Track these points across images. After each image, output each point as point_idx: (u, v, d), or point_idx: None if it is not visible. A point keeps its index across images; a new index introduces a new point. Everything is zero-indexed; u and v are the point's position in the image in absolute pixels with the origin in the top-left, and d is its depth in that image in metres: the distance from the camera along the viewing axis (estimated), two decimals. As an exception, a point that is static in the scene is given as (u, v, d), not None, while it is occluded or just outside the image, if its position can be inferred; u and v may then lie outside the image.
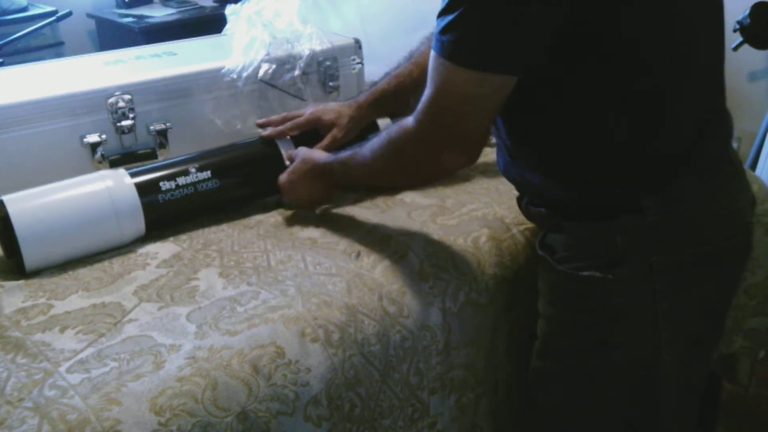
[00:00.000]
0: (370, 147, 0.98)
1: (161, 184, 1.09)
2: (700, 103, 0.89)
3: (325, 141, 1.20)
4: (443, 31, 0.80)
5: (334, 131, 1.20)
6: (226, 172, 1.15)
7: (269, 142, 1.20)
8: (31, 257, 1.00)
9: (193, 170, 1.11)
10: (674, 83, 0.84)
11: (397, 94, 1.20)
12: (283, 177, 1.14)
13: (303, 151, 1.14)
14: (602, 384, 0.95)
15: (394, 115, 1.23)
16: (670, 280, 0.89)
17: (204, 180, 1.11)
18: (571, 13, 0.77)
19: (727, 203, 0.91)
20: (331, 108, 1.22)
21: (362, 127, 1.22)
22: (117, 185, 1.06)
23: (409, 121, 0.90)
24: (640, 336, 0.92)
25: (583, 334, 0.94)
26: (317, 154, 1.11)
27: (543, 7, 0.77)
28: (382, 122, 1.25)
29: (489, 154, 1.18)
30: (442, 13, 0.80)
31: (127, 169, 1.10)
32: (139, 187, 1.07)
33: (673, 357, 0.93)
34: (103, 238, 1.06)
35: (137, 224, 1.07)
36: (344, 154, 1.04)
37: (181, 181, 1.10)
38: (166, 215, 1.10)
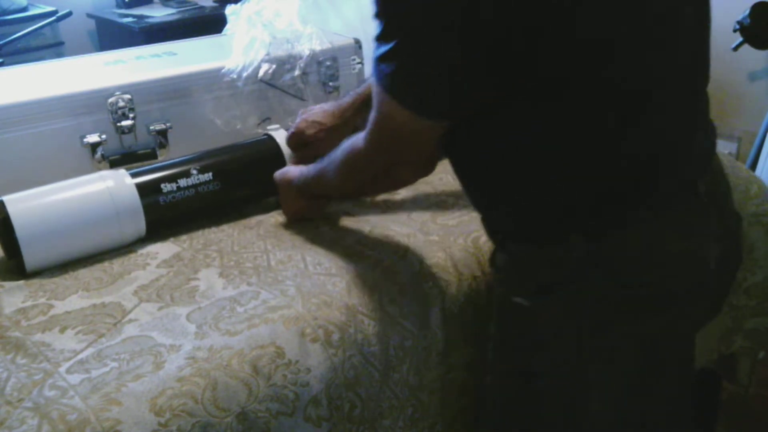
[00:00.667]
0: (333, 164, 0.98)
1: (162, 185, 1.09)
2: (666, 128, 0.81)
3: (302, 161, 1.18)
4: (380, 59, 0.76)
5: (312, 150, 1.17)
6: (227, 173, 1.14)
7: (270, 143, 1.20)
8: (31, 258, 1.00)
9: (194, 172, 1.11)
10: (631, 109, 0.78)
11: None
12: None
13: (278, 176, 1.13)
14: (528, 410, 0.91)
15: None
16: (599, 318, 0.83)
17: (205, 182, 1.11)
18: (510, 46, 0.72)
19: (676, 244, 0.83)
20: (314, 118, 1.19)
21: (348, 134, 1.16)
22: (117, 185, 1.06)
23: (360, 138, 0.90)
24: (564, 371, 0.86)
25: (511, 358, 0.91)
26: (290, 173, 1.10)
27: (474, 48, 0.72)
28: None
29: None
30: (379, 38, 0.76)
31: (127, 169, 1.10)
32: (140, 187, 1.07)
33: (604, 397, 0.87)
34: (103, 238, 1.06)
35: (138, 225, 1.07)
36: (315, 168, 1.04)
37: (182, 182, 1.10)
38: (166, 216, 1.10)
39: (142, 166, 1.14)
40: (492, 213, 0.91)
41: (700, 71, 0.87)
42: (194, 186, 1.10)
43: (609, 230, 0.81)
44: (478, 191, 0.90)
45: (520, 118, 0.79)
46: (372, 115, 0.84)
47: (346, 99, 1.20)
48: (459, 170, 0.90)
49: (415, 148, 0.86)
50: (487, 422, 0.98)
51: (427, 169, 0.91)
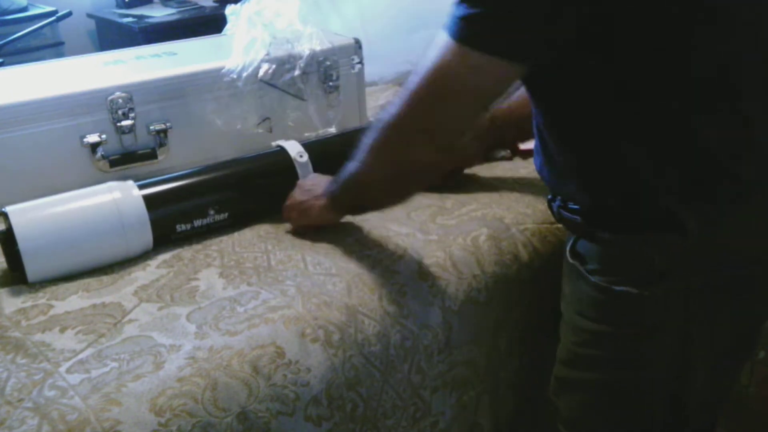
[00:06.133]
0: (357, 156, 0.93)
1: (177, 226, 1.07)
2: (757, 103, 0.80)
3: None
4: (457, 10, 0.76)
5: None
6: (244, 211, 1.13)
7: (289, 169, 1.16)
8: (34, 271, 0.98)
9: (211, 212, 1.09)
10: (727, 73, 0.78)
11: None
12: (287, 205, 1.10)
13: (308, 182, 1.09)
14: (626, 401, 0.92)
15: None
16: (705, 301, 0.85)
17: (221, 221, 1.10)
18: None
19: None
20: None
21: None
22: (125, 198, 1.04)
23: (386, 113, 0.86)
24: (670, 356, 0.88)
25: (613, 348, 0.90)
26: (319, 189, 1.05)
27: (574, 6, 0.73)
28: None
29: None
30: None
31: (136, 181, 1.08)
32: (149, 203, 1.05)
33: (698, 377, 0.90)
34: (108, 253, 1.03)
35: (145, 240, 1.05)
36: (340, 175, 0.98)
37: (197, 223, 1.08)
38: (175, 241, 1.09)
39: (150, 177, 1.11)
40: (596, 200, 0.87)
41: None
42: (208, 225, 1.09)
43: (724, 214, 0.81)
44: (593, 180, 0.87)
45: (612, 98, 0.79)
46: (417, 74, 0.81)
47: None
48: (570, 161, 0.87)
49: (453, 112, 0.82)
50: (566, 414, 0.99)
51: (444, 152, 0.86)
